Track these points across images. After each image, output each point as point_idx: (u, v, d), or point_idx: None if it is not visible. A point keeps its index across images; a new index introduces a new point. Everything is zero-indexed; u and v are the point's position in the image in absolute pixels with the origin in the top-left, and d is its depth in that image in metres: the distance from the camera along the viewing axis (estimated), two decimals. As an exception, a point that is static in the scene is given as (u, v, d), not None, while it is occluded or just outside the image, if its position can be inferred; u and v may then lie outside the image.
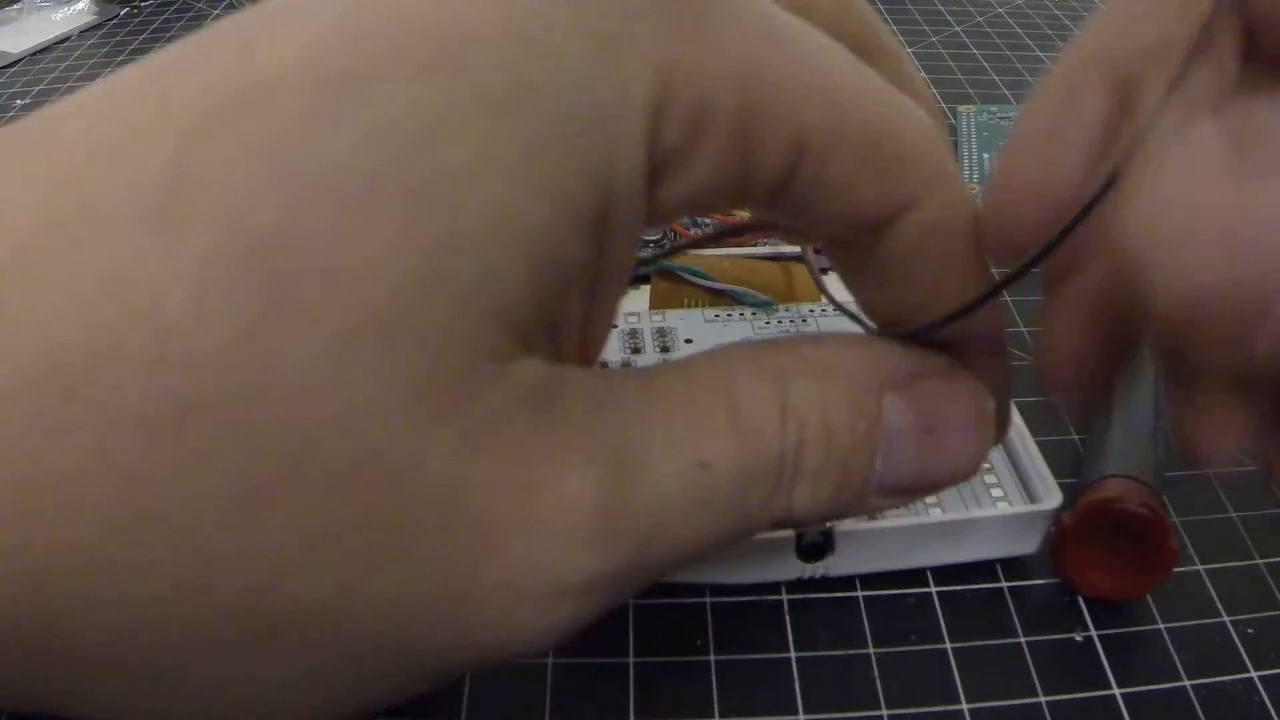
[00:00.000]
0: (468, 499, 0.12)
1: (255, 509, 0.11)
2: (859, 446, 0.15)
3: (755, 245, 0.39)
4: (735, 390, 0.15)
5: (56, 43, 0.63)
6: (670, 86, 0.13)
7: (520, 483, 0.12)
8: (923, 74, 0.26)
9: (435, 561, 0.12)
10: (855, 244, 0.16)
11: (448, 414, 0.12)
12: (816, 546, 0.26)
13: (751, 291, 0.35)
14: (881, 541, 0.26)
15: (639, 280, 0.37)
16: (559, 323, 0.14)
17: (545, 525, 0.13)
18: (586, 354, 0.15)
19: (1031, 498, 0.27)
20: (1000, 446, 0.29)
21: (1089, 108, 0.16)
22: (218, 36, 0.13)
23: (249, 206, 0.11)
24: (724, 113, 0.14)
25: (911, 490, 0.17)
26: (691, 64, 0.13)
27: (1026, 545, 0.27)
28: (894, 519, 0.26)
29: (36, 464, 0.11)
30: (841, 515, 0.17)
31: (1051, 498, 0.27)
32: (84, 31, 0.64)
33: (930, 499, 0.27)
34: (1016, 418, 0.29)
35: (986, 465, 0.28)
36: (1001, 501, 0.27)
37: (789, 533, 0.26)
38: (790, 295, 0.35)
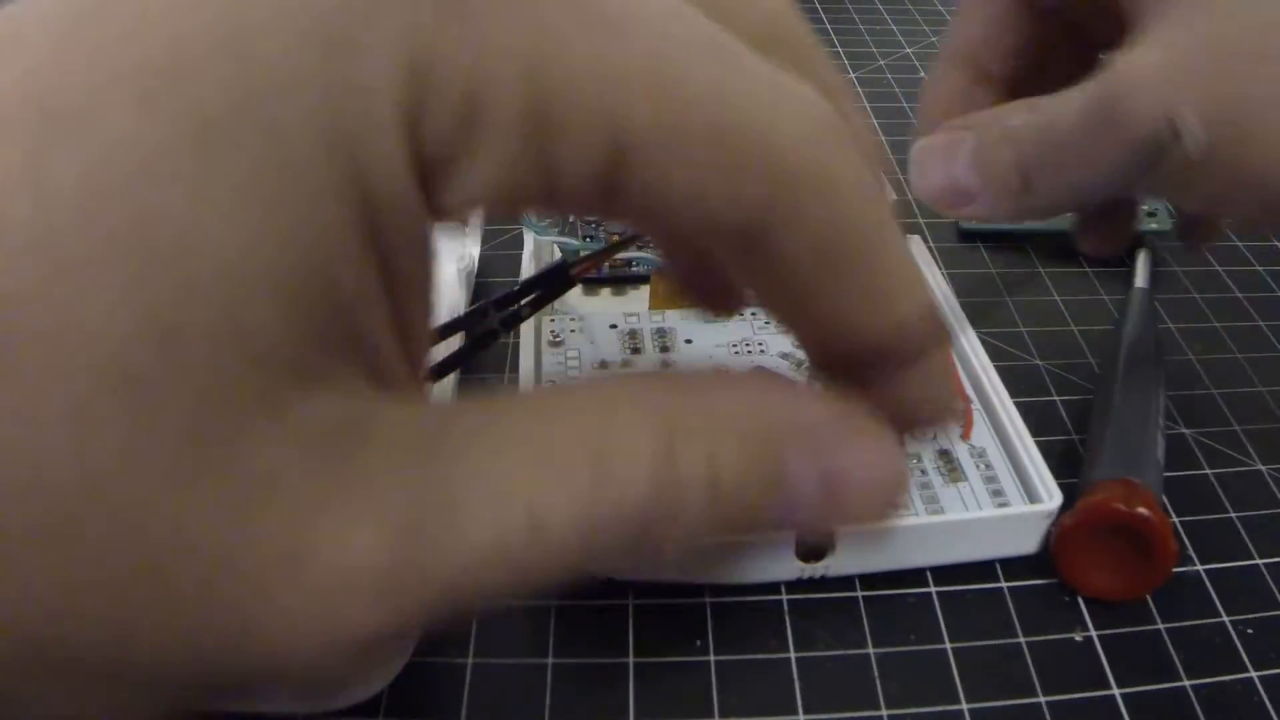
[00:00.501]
0: (236, 562, 0.12)
1: (25, 569, 0.11)
2: (748, 508, 0.14)
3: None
4: (607, 435, 0.13)
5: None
6: (426, 78, 0.12)
7: (292, 546, 0.12)
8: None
9: (210, 614, 0.12)
10: (733, 256, 0.15)
11: (209, 472, 0.11)
12: (817, 547, 0.26)
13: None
14: (882, 542, 0.26)
15: (637, 281, 0.37)
16: (363, 342, 0.13)
17: (320, 590, 0.12)
18: (415, 360, 0.14)
19: (1032, 498, 0.27)
20: (1001, 447, 0.29)
21: (947, 85, 0.29)
22: None
23: None
24: (506, 104, 0.12)
25: (807, 531, 0.16)
26: (455, 49, 0.12)
27: (1026, 545, 0.27)
28: (894, 521, 0.26)
29: None
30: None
31: (1052, 498, 0.27)
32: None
33: (931, 500, 0.27)
34: (1017, 418, 0.29)
35: (988, 466, 0.28)
36: (1002, 502, 0.27)
37: (789, 533, 0.26)
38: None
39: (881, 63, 0.57)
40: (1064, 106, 0.23)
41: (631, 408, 0.14)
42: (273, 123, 0.11)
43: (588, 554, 0.13)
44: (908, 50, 0.59)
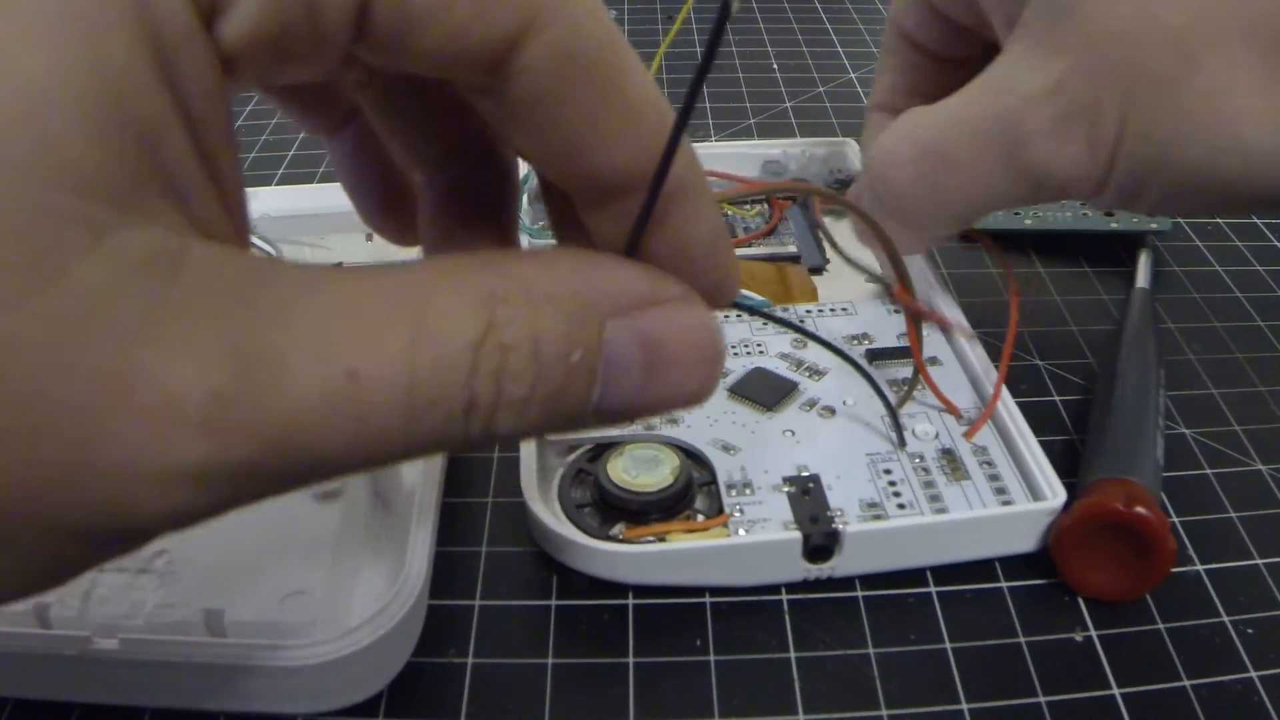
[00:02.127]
0: (67, 382, 0.12)
1: None
2: (573, 378, 0.15)
3: (750, 246, 0.39)
4: (428, 306, 0.14)
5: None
6: None
7: (121, 368, 0.12)
8: None
9: (43, 440, 0.12)
10: (485, 92, 0.15)
11: (35, 290, 0.12)
12: (823, 548, 0.26)
13: (749, 293, 0.35)
14: (888, 541, 0.26)
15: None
16: (173, 179, 0.13)
17: (148, 413, 0.12)
18: (235, 219, 0.14)
19: (1036, 495, 0.27)
20: (1003, 445, 0.29)
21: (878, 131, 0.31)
22: None
23: None
24: None
25: (631, 417, 0.16)
26: None
27: (1026, 543, 0.27)
28: (900, 520, 0.26)
29: None
30: (555, 434, 0.16)
31: (1056, 495, 0.27)
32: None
33: (935, 498, 0.27)
34: (1018, 417, 0.29)
35: (990, 465, 0.28)
36: (1006, 500, 0.27)
37: (795, 535, 0.26)
38: (786, 296, 0.35)
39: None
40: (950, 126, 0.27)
41: (451, 282, 0.14)
42: None
43: (412, 417, 0.13)
44: None
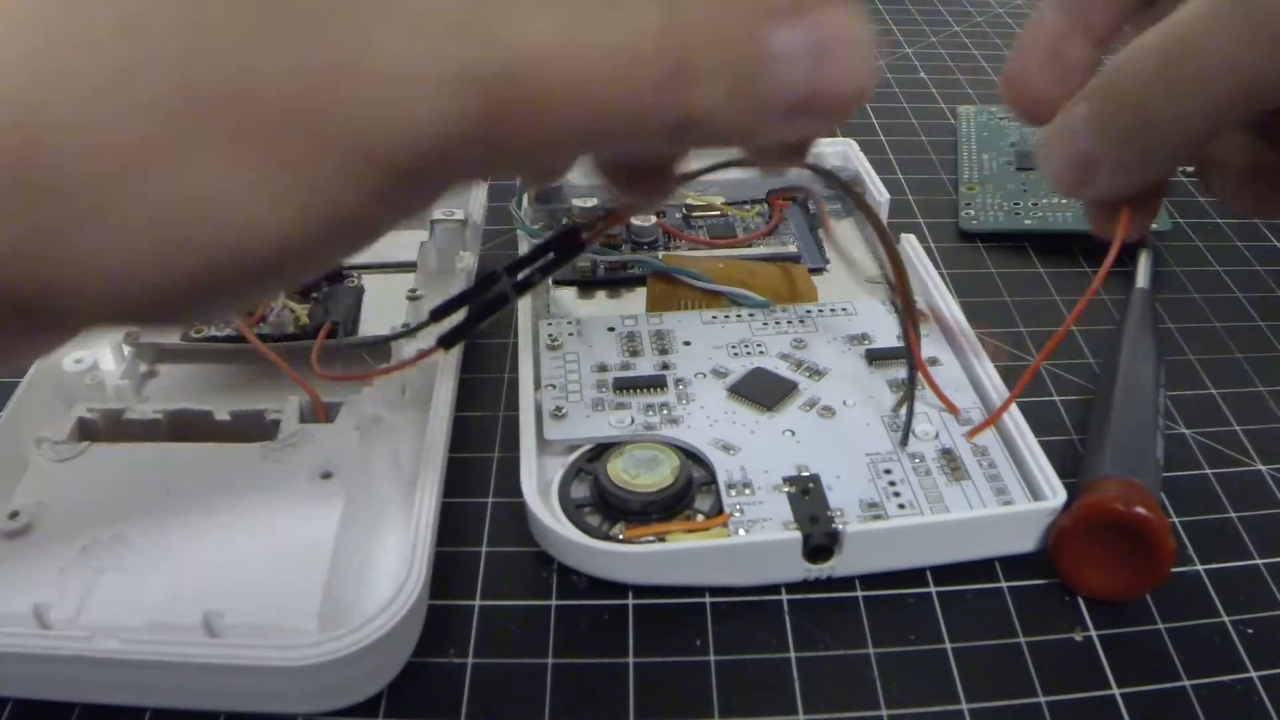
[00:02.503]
0: None
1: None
2: (752, 56, 0.16)
3: (750, 247, 0.39)
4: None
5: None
6: None
7: None
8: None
9: (319, 43, 0.13)
10: None
11: None
12: (823, 548, 0.26)
13: (748, 293, 0.35)
14: (888, 541, 0.26)
15: (634, 283, 0.37)
16: None
17: (411, 20, 0.13)
18: None
19: (1036, 495, 0.27)
20: (1003, 445, 0.29)
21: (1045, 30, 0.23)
22: None
23: None
24: None
25: (808, 109, 0.17)
26: None
27: (1026, 543, 0.27)
28: (900, 520, 0.26)
29: None
30: (744, 135, 0.18)
31: (1056, 495, 0.27)
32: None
33: (935, 499, 0.27)
34: (1018, 417, 0.29)
35: (990, 465, 0.28)
36: (1006, 500, 0.27)
37: (795, 535, 0.26)
38: (788, 296, 0.35)
39: (882, 63, 0.57)
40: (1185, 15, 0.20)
41: None
42: None
43: (629, 85, 0.15)
44: (908, 50, 0.59)
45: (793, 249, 0.39)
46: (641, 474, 0.27)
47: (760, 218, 0.41)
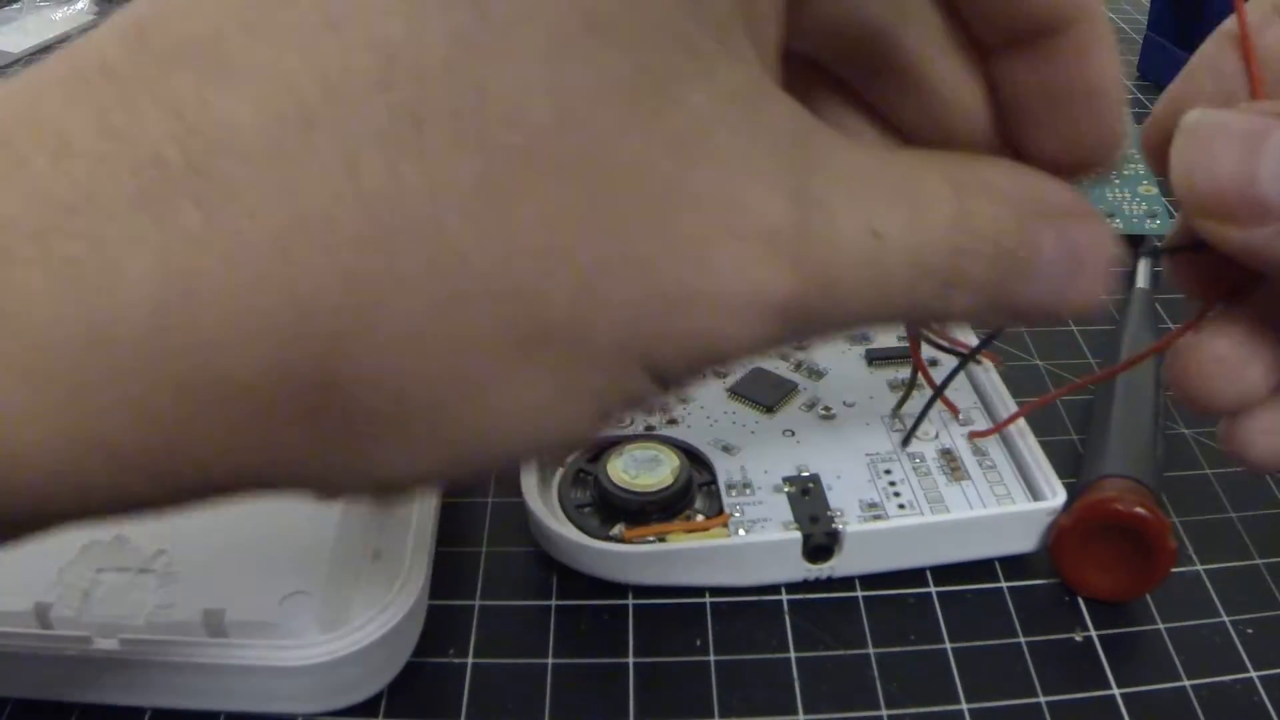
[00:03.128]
0: (680, 202, 0.13)
1: (497, 210, 0.12)
2: (1018, 270, 0.16)
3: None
4: (921, 185, 0.15)
5: (57, 42, 0.63)
6: None
7: (726, 193, 0.13)
8: None
9: (656, 267, 0.13)
10: (1011, 59, 0.16)
11: (660, 111, 0.12)
12: (823, 548, 0.26)
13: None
14: (887, 542, 0.26)
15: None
16: (754, 20, 0.14)
17: (748, 241, 0.13)
18: (775, 64, 0.15)
19: (1035, 495, 0.27)
20: (1003, 445, 0.29)
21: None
22: None
23: None
24: None
25: (1044, 315, 0.17)
26: None
27: (1026, 543, 0.27)
28: (900, 520, 0.26)
29: (286, 199, 0.11)
30: (984, 320, 0.18)
31: (1056, 495, 0.27)
32: (84, 31, 0.64)
33: (935, 499, 0.27)
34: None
35: (991, 465, 0.28)
36: (1006, 500, 0.27)
37: (795, 535, 0.26)
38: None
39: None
40: None
41: (937, 171, 0.15)
42: None
43: (910, 283, 0.15)
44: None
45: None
46: (641, 474, 0.27)
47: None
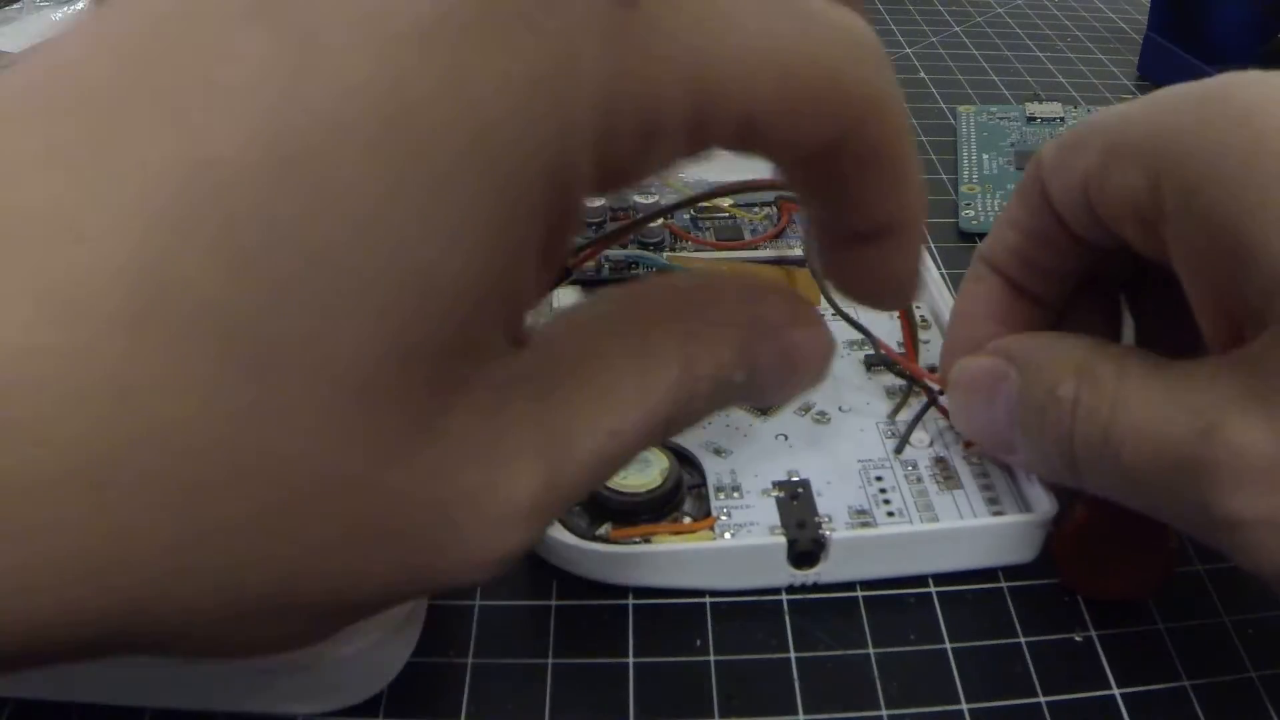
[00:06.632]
0: (442, 509, 0.15)
1: (270, 540, 0.14)
2: (737, 391, 0.19)
3: (756, 249, 0.39)
4: (646, 360, 0.17)
5: (56, 43, 0.63)
6: (615, 111, 0.14)
7: (478, 487, 0.15)
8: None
9: (414, 547, 0.15)
10: (798, 164, 0.18)
11: (426, 447, 0.14)
12: (809, 554, 0.26)
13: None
14: (874, 549, 0.26)
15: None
16: (515, 311, 0.16)
17: (495, 520, 0.15)
18: (531, 305, 0.17)
19: (1028, 506, 0.27)
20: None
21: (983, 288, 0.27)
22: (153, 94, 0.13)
23: (228, 302, 0.12)
24: (674, 116, 0.15)
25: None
26: (637, 81, 0.14)
27: (1024, 554, 0.27)
28: (887, 528, 0.26)
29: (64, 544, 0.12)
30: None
31: (1047, 507, 0.26)
32: (84, 32, 0.64)
33: (925, 507, 0.27)
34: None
35: (984, 474, 0.28)
36: (997, 510, 0.27)
37: (780, 540, 0.26)
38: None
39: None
40: (1131, 428, 0.21)
41: (660, 330, 0.18)
42: (493, 161, 0.13)
43: (638, 449, 0.17)
44: (908, 50, 0.59)
45: (799, 252, 0.39)
46: (631, 475, 0.27)
47: (768, 220, 0.41)
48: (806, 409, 0.30)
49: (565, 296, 0.37)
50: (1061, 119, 0.48)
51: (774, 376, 0.19)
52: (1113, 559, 0.26)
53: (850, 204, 0.19)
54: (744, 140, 0.16)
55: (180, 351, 0.12)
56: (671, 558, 0.26)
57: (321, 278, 0.12)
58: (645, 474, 0.27)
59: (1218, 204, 0.20)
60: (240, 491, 0.13)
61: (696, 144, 0.16)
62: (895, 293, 0.21)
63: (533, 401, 0.16)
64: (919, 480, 0.28)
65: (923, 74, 0.56)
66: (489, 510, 0.15)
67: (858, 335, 0.33)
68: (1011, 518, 0.27)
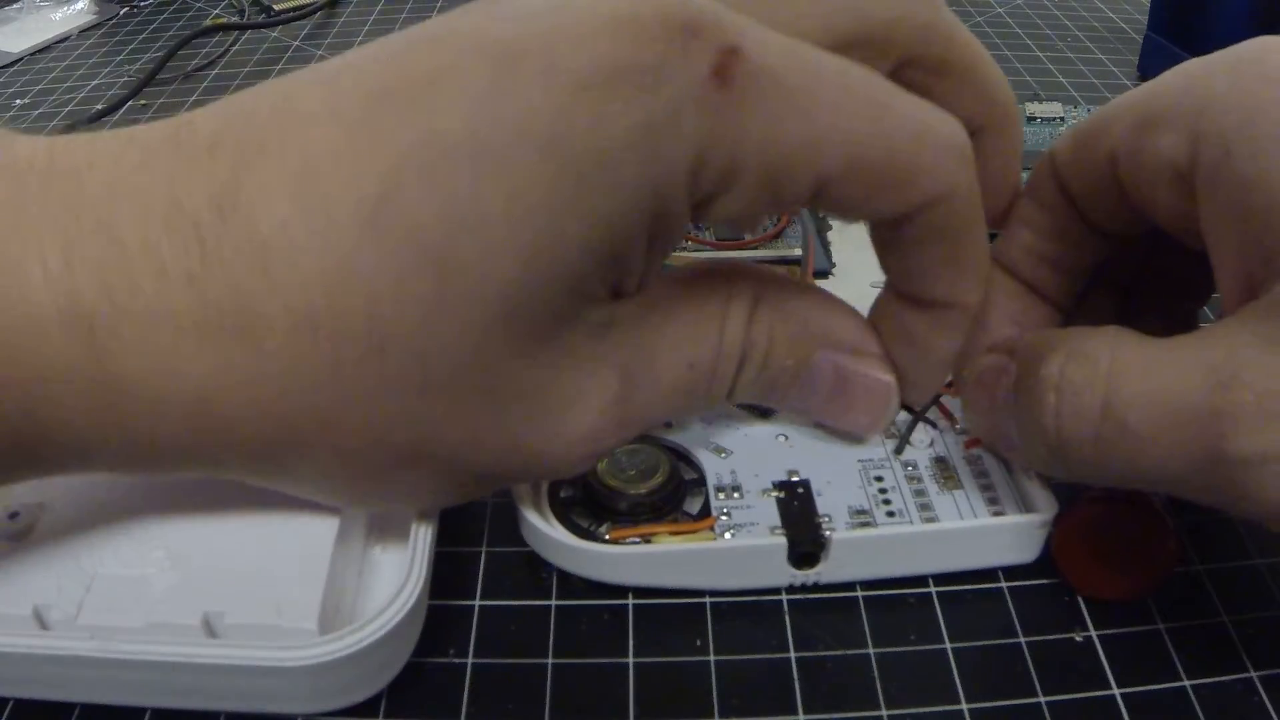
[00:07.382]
0: (549, 397, 0.21)
1: (428, 406, 0.20)
2: (784, 377, 0.24)
3: (755, 249, 0.39)
4: (727, 313, 0.23)
5: (56, 42, 0.63)
6: (704, 158, 0.20)
7: (580, 391, 0.21)
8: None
9: (513, 432, 0.21)
10: (875, 228, 0.23)
11: (544, 352, 0.20)
12: (809, 554, 0.26)
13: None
14: (874, 549, 0.26)
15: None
16: (622, 278, 0.21)
17: (588, 420, 0.22)
18: (648, 279, 0.22)
19: (1028, 506, 0.27)
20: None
21: (995, 293, 0.27)
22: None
23: (429, 227, 0.19)
24: (749, 170, 0.20)
25: (808, 420, 0.28)
26: (721, 141, 0.19)
27: (1024, 554, 0.27)
28: (887, 528, 0.26)
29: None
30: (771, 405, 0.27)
31: (1048, 508, 0.26)
32: (83, 31, 0.64)
33: (925, 507, 0.27)
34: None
35: (984, 474, 0.28)
36: (997, 510, 0.27)
37: (780, 540, 0.26)
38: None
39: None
40: (1136, 394, 0.21)
41: (743, 292, 0.23)
42: (617, 173, 0.19)
43: (708, 392, 0.23)
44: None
45: (798, 252, 0.39)
46: (631, 475, 0.27)
47: (768, 220, 0.40)
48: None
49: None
50: (1061, 119, 0.48)
51: (817, 391, 0.24)
52: (1113, 559, 0.26)
53: (908, 271, 0.23)
54: (818, 201, 0.21)
55: (390, 250, 0.18)
56: (671, 558, 0.26)
57: (493, 228, 0.19)
58: (645, 474, 0.27)
59: (1249, 160, 0.21)
60: (409, 360, 0.19)
61: (774, 198, 0.21)
62: (924, 363, 0.24)
63: (629, 334, 0.22)
64: (919, 480, 0.28)
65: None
66: (585, 410, 0.21)
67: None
68: (1011, 518, 0.27)
